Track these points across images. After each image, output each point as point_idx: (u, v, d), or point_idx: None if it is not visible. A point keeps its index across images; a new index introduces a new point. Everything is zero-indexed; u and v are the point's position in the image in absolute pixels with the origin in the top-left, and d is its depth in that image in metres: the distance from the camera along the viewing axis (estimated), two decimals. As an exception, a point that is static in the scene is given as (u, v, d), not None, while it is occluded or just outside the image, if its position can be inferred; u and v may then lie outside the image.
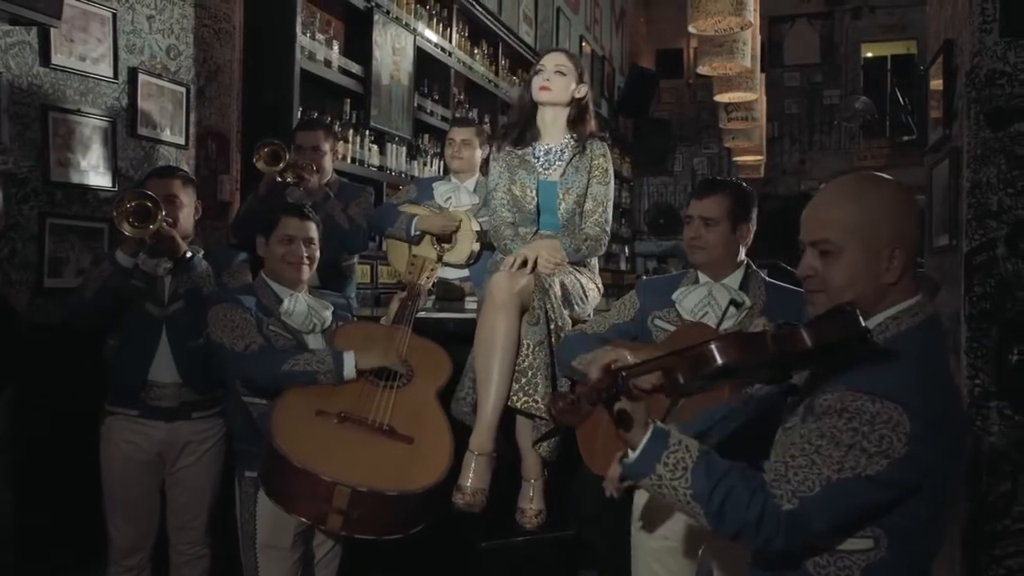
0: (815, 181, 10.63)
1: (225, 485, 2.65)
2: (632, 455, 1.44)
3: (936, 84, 3.29)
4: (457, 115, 5.69)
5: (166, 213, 2.51)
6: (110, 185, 3.26)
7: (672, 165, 12.01)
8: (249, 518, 2.42)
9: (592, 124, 2.87)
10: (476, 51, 6.31)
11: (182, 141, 3.66)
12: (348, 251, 3.49)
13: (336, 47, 4.50)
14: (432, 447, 2.27)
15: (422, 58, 5.33)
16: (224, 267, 2.76)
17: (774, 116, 10.76)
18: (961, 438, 1.46)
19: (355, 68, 4.63)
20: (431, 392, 2.43)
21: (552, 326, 2.48)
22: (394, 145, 5.05)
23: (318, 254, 2.55)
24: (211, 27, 3.82)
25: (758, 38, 5.40)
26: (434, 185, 3.48)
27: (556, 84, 2.78)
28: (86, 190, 3.18)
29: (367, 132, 4.73)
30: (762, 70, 6.76)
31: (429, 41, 5.46)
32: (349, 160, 4.53)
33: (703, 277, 2.34)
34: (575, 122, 2.84)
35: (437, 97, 5.63)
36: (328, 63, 4.39)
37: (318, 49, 4.29)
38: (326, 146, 3.44)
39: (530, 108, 2.84)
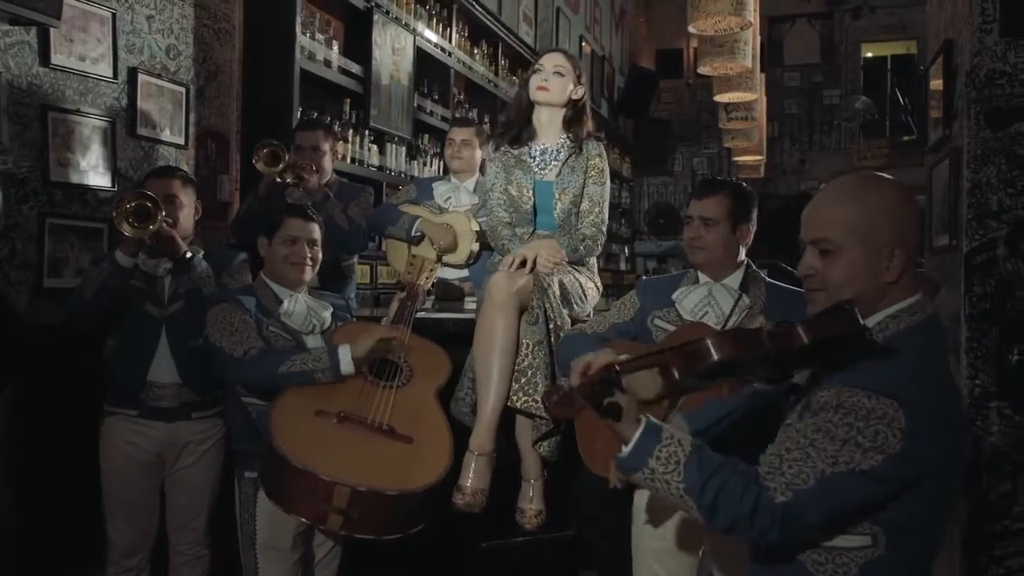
0: (815, 181, 10.63)
1: (225, 485, 2.65)
2: (625, 450, 1.44)
3: (936, 84, 3.29)
4: (457, 115, 5.69)
5: (166, 213, 2.51)
6: (110, 185, 3.26)
7: (672, 165, 12.01)
8: (249, 518, 2.42)
9: (589, 125, 2.87)
10: (476, 51, 6.31)
11: (182, 141, 3.66)
12: (348, 251, 3.49)
13: (336, 47, 4.50)
14: (432, 447, 2.27)
15: (422, 58, 5.33)
16: (224, 267, 2.76)
17: (774, 116, 10.76)
18: (961, 438, 1.46)
19: (355, 68, 4.63)
20: (430, 392, 2.43)
21: (551, 325, 2.48)
22: (394, 145, 5.05)
23: (321, 255, 2.55)
24: (211, 27, 3.82)
25: (758, 38, 5.39)
26: (434, 185, 3.48)
27: (554, 85, 2.78)
28: (86, 190, 3.18)
29: (367, 132, 4.73)
30: (762, 70, 6.75)
31: (429, 41, 5.46)
32: (349, 160, 4.53)
33: (703, 277, 2.34)
34: (571, 122, 2.84)
35: (437, 97, 5.63)
36: (328, 63, 4.39)
37: (318, 49, 4.29)
38: (326, 146, 3.44)
39: (527, 107, 2.84)
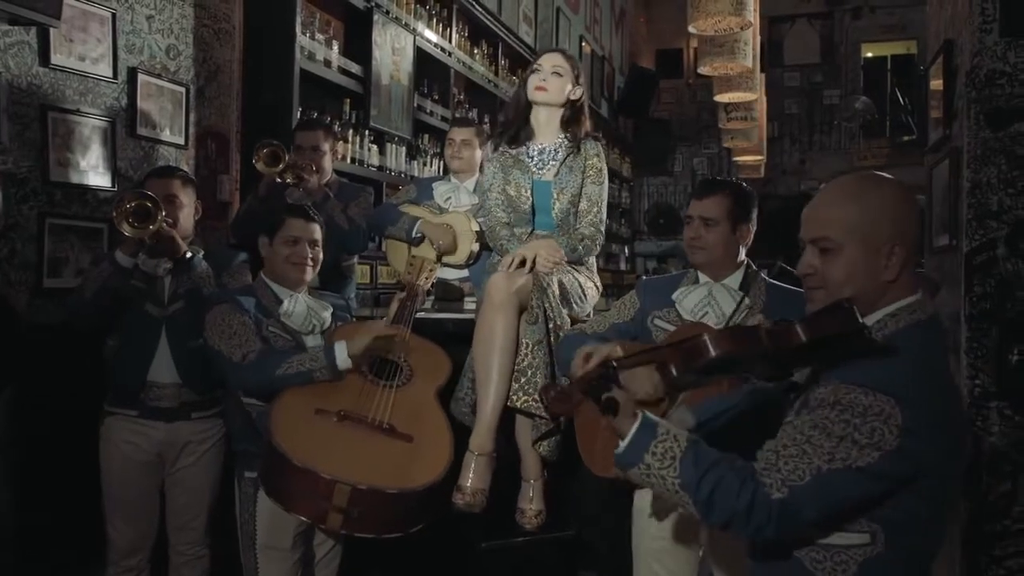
0: (815, 181, 10.63)
1: (225, 485, 2.65)
2: (621, 445, 1.45)
3: (936, 84, 3.29)
4: (457, 115, 5.69)
5: (166, 213, 2.51)
6: (109, 185, 3.26)
7: (672, 165, 12.01)
8: (249, 518, 2.42)
9: (587, 125, 2.87)
10: (476, 51, 6.31)
11: (182, 141, 3.66)
12: (348, 251, 3.49)
13: (336, 47, 4.50)
14: (432, 445, 2.27)
15: (422, 58, 5.33)
16: (224, 267, 2.76)
17: (774, 116, 10.76)
18: (960, 437, 1.46)
19: (355, 68, 4.62)
20: (430, 392, 2.43)
21: (551, 325, 2.48)
22: (394, 145, 5.05)
23: (321, 256, 2.55)
24: (211, 27, 3.82)
25: (758, 38, 5.39)
26: (434, 185, 3.48)
27: (552, 85, 2.78)
28: (85, 190, 3.18)
29: (367, 132, 4.73)
30: (762, 70, 6.75)
31: (429, 41, 5.46)
32: (349, 160, 4.53)
33: (703, 277, 2.34)
34: (569, 122, 2.84)
35: (437, 97, 5.63)
36: (328, 63, 4.39)
37: (318, 49, 4.29)
38: (326, 146, 3.44)
39: (525, 107, 2.84)
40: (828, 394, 1.37)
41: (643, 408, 1.49)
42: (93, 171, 3.21)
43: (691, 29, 4.16)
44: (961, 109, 2.96)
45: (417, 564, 2.66)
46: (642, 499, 2.28)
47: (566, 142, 2.83)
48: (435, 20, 5.60)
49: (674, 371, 1.42)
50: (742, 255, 2.34)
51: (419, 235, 3.25)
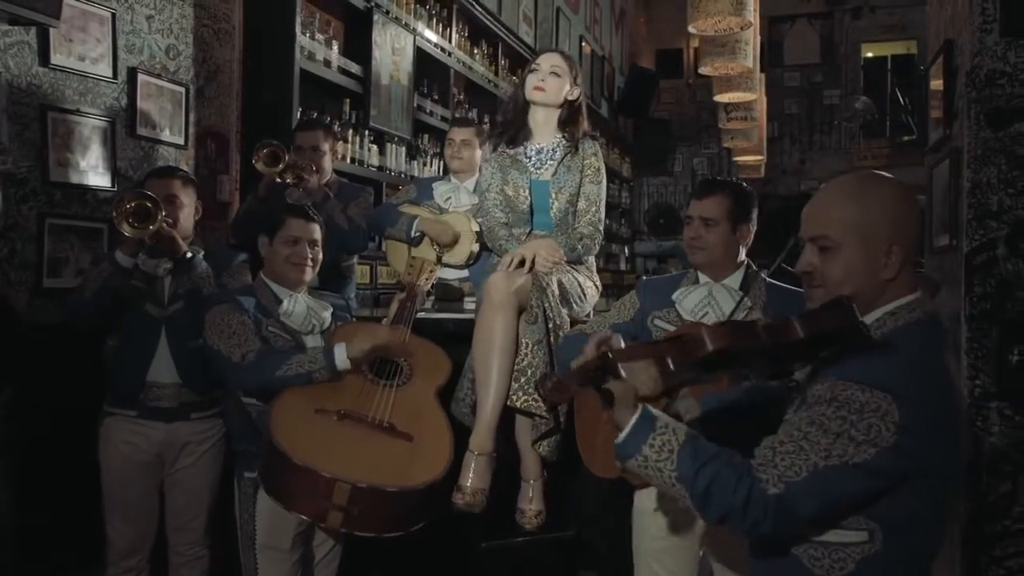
0: (815, 181, 10.62)
1: (224, 486, 2.65)
2: (620, 436, 1.46)
3: (936, 84, 3.29)
4: (457, 115, 5.69)
5: (166, 213, 2.51)
6: (109, 185, 3.26)
7: (672, 165, 12.01)
8: (248, 519, 2.42)
9: (585, 124, 2.87)
10: (476, 51, 6.31)
11: (181, 141, 3.66)
12: (347, 251, 3.49)
13: (336, 47, 4.50)
14: (432, 444, 2.27)
15: (422, 58, 5.33)
16: (224, 268, 2.76)
17: (774, 116, 10.76)
18: (958, 436, 1.46)
19: (355, 68, 4.62)
20: (430, 391, 2.43)
21: (550, 325, 2.47)
22: (394, 145, 5.05)
23: (321, 256, 2.55)
24: (210, 27, 3.82)
25: (758, 38, 5.39)
26: (434, 185, 3.47)
27: (550, 85, 2.78)
28: (85, 190, 3.17)
29: (367, 132, 4.73)
30: (762, 70, 6.75)
31: (429, 41, 5.46)
32: (349, 160, 4.53)
33: (703, 277, 2.34)
34: (566, 122, 2.84)
35: (437, 97, 5.63)
36: (328, 63, 4.39)
37: (317, 49, 4.29)
38: (325, 146, 3.44)
39: (523, 106, 2.84)
40: (825, 391, 1.37)
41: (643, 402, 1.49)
42: (93, 171, 3.21)
43: (691, 29, 4.16)
44: (961, 109, 2.95)
45: (417, 564, 2.66)
46: (642, 499, 2.28)
47: (564, 142, 2.83)
48: (435, 20, 5.60)
49: (671, 364, 1.43)
50: (742, 255, 2.34)
51: (418, 234, 3.25)
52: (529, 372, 2.41)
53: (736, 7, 3.90)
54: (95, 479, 2.63)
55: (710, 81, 6.18)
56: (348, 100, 4.64)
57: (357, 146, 4.65)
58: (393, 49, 4.93)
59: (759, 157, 8.93)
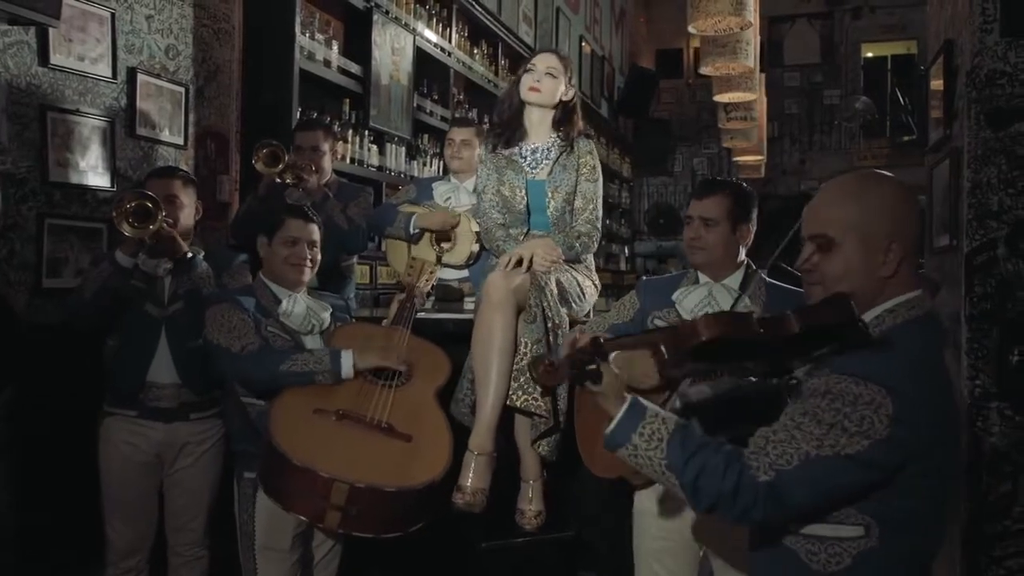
0: (815, 181, 10.62)
1: (224, 486, 2.64)
2: (610, 425, 1.48)
3: (936, 84, 3.29)
4: (456, 115, 5.68)
5: (166, 213, 2.51)
6: (109, 185, 3.26)
7: (672, 165, 12.01)
8: (248, 519, 2.41)
9: (579, 124, 2.87)
10: (476, 51, 6.31)
11: (181, 141, 3.66)
12: (347, 251, 3.49)
13: (335, 47, 4.50)
14: (431, 445, 2.26)
15: (421, 58, 5.33)
16: (224, 268, 2.76)
17: (774, 116, 10.75)
18: (955, 433, 1.46)
19: (354, 68, 4.62)
20: (430, 392, 2.43)
21: (549, 324, 2.47)
22: (393, 145, 5.05)
23: (320, 257, 2.55)
24: (210, 27, 3.82)
25: (758, 38, 5.38)
26: (434, 185, 3.47)
27: (546, 86, 2.78)
28: (85, 190, 3.17)
29: (366, 132, 4.73)
30: (762, 70, 6.75)
31: (428, 41, 5.46)
32: (348, 160, 4.53)
33: (703, 277, 2.34)
34: (561, 122, 2.84)
35: (436, 97, 5.62)
36: (327, 63, 4.39)
37: (317, 49, 4.29)
38: (325, 146, 3.43)
39: (518, 107, 2.84)
40: (821, 384, 1.39)
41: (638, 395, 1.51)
42: (92, 171, 3.21)
43: (691, 29, 4.15)
44: (961, 109, 2.95)
45: (417, 564, 2.66)
46: (642, 500, 2.28)
47: (559, 141, 2.84)
48: (435, 20, 5.60)
49: (665, 352, 1.43)
50: (742, 255, 2.34)
51: (417, 231, 3.25)
52: (528, 372, 2.41)
53: (736, 7, 3.90)
54: (95, 479, 2.63)
55: (710, 81, 6.17)
56: (348, 100, 4.64)
57: (357, 146, 4.65)
58: (393, 49, 4.93)
59: (759, 157, 8.92)
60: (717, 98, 6.15)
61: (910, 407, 1.34)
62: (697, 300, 2.29)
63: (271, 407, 2.25)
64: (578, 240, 2.77)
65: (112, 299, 2.55)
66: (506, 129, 2.86)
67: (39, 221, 2.99)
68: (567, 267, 2.72)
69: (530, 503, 2.48)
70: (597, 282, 2.89)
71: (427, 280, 2.80)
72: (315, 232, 2.51)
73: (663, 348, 1.43)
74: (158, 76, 3.52)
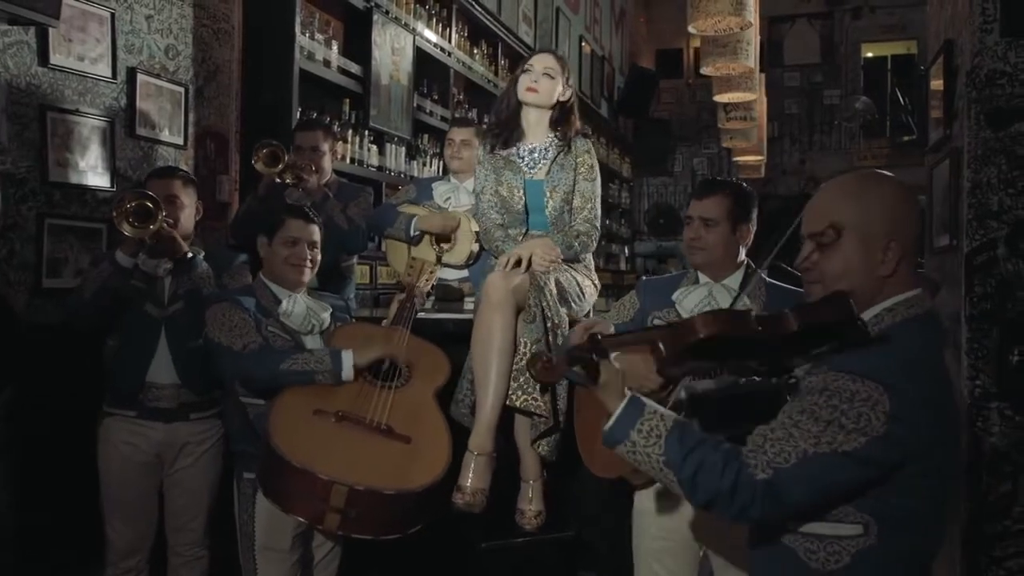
0: (815, 181, 10.62)
1: (224, 486, 2.64)
2: (609, 421, 1.49)
3: (936, 84, 3.29)
4: (456, 115, 5.68)
5: (167, 213, 2.51)
6: (108, 185, 3.26)
7: (672, 165, 12.00)
8: (247, 520, 2.41)
9: (577, 123, 2.87)
10: (475, 51, 6.30)
11: (181, 141, 3.66)
12: (347, 252, 3.49)
13: (335, 47, 4.49)
14: (430, 446, 2.26)
15: (421, 58, 5.33)
16: (224, 268, 2.76)
17: (774, 116, 10.75)
18: (953, 431, 1.46)
19: (354, 68, 4.62)
20: (429, 393, 2.43)
21: (549, 324, 2.47)
22: (393, 145, 5.05)
23: (320, 257, 2.55)
24: (210, 27, 3.82)
25: (757, 38, 5.38)
26: (433, 185, 3.47)
27: (543, 86, 2.78)
28: (84, 190, 3.17)
29: (366, 132, 4.73)
30: (762, 70, 6.74)
31: (428, 41, 5.46)
32: (348, 160, 4.53)
33: (703, 278, 2.34)
34: (558, 122, 2.84)
35: (436, 97, 5.62)
36: (327, 63, 4.39)
37: (317, 49, 4.29)
38: (325, 146, 3.43)
39: (515, 107, 2.84)
40: (818, 381, 1.39)
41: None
42: (92, 171, 3.21)
43: (691, 29, 4.15)
44: (961, 109, 2.95)
45: (417, 565, 2.66)
46: (642, 500, 2.28)
47: (556, 141, 2.84)
48: (435, 20, 5.60)
49: (663, 350, 1.44)
50: (742, 255, 2.34)
51: (417, 233, 3.25)
52: (529, 374, 2.41)
53: (736, 7, 3.90)
54: (95, 479, 2.63)
55: (710, 81, 6.16)
56: (348, 100, 4.63)
57: (357, 146, 4.64)
58: (393, 49, 4.93)
59: (759, 157, 8.92)
60: (717, 98, 6.15)
61: (907, 404, 1.34)
62: (697, 300, 2.29)
63: (270, 408, 2.25)
64: (577, 239, 2.77)
65: (112, 299, 2.55)
66: (504, 130, 2.85)
67: (39, 221, 2.99)
68: (566, 267, 2.72)
69: (530, 503, 2.48)
70: (597, 282, 2.89)
71: (427, 280, 2.80)
72: (316, 233, 2.51)
73: (661, 345, 1.44)
74: (158, 76, 3.52)
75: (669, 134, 11.90)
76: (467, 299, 3.20)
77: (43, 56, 2.99)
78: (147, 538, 2.64)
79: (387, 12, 4.88)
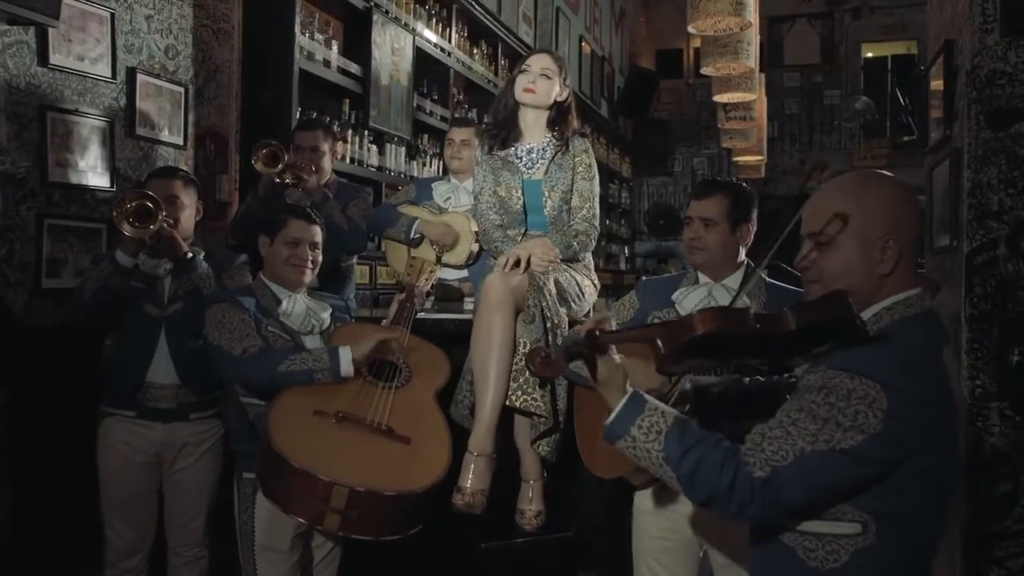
0: (815, 182, 10.62)
1: (223, 487, 2.64)
2: (610, 417, 1.50)
3: (936, 84, 3.29)
4: (456, 115, 5.68)
5: (167, 214, 2.51)
6: (108, 185, 3.26)
7: (672, 165, 12.00)
8: (247, 520, 2.41)
9: (574, 123, 2.87)
10: (475, 51, 6.30)
11: (180, 141, 3.66)
12: (347, 252, 3.49)
13: (335, 47, 4.50)
14: (430, 447, 2.26)
15: (421, 58, 5.33)
16: (224, 269, 2.75)
17: (774, 116, 10.75)
18: (952, 430, 1.46)
19: (354, 68, 4.62)
20: (429, 393, 2.43)
21: (548, 324, 2.47)
22: (393, 145, 5.05)
23: (321, 258, 2.55)
24: (210, 27, 3.81)
25: (757, 38, 5.38)
26: (433, 185, 3.47)
27: (541, 87, 2.78)
28: (84, 190, 3.17)
29: (366, 132, 4.73)
30: (762, 70, 6.74)
31: (428, 41, 5.46)
32: (348, 160, 4.53)
33: (703, 278, 2.34)
34: (555, 122, 2.84)
35: (436, 97, 5.62)
36: (327, 63, 4.39)
37: (317, 49, 4.29)
38: (325, 146, 3.43)
39: (512, 108, 2.84)
40: (816, 380, 1.40)
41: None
42: (92, 171, 3.21)
43: (691, 29, 4.15)
44: (961, 109, 2.95)
45: (417, 565, 2.66)
46: (642, 500, 2.28)
47: (554, 141, 2.84)
48: (434, 20, 5.60)
49: (661, 346, 1.44)
50: (742, 255, 2.34)
51: (417, 235, 3.25)
52: (527, 372, 2.41)
53: (736, 7, 3.89)
54: (94, 479, 2.62)
55: (710, 81, 6.16)
56: (347, 100, 4.63)
57: (356, 146, 4.64)
58: (392, 49, 4.93)
59: (759, 157, 8.91)
60: (716, 98, 6.14)
61: (905, 402, 1.34)
62: (697, 300, 2.29)
63: (270, 409, 2.24)
64: (575, 239, 2.77)
65: (112, 299, 2.55)
66: (501, 130, 2.85)
67: (38, 221, 2.98)
68: (565, 267, 2.72)
69: (530, 503, 2.48)
70: (596, 281, 2.88)
71: (427, 280, 2.80)
72: (317, 234, 2.51)
73: (660, 342, 1.44)
74: (158, 76, 3.52)
75: (669, 134, 11.90)
76: (467, 299, 3.21)
77: (43, 56, 2.99)
78: (147, 538, 2.64)
79: (387, 12, 4.88)
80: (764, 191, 10.04)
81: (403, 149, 5.16)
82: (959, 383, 2.70)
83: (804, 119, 11.57)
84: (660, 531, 2.24)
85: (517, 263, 2.57)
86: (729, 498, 1.38)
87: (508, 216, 2.82)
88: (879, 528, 1.40)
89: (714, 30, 4.15)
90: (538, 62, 2.81)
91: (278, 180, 3.22)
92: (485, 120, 4.09)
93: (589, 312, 2.78)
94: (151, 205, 2.45)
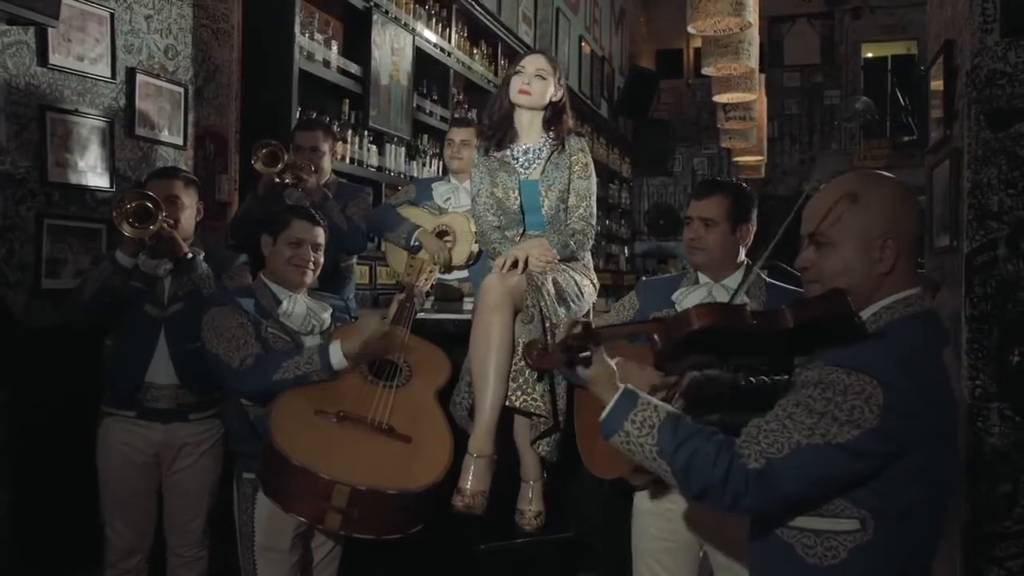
0: (815, 182, 10.60)
1: (223, 487, 2.64)
2: (604, 412, 1.51)
3: (936, 84, 3.29)
4: (456, 115, 5.68)
5: (167, 214, 2.51)
6: (108, 186, 3.26)
7: (672, 165, 12.00)
8: (247, 520, 2.41)
9: (569, 122, 2.87)
10: (475, 51, 6.30)
11: (180, 141, 3.66)
12: (346, 252, 3.48)
13: (335, 47, 4.49)
14: (431, 446, 2.26)
15: (421, 58, 5.33)
16: (224, 269, 2.75)
17: (774, 116, 10.75)
18: (951, 428, 1.46)
19: (354, 68, 4.62)
20: (430, 392, 2.43)
21: (547, 324, 2.47)
22: (393, 145, 5.04)
23: (322, 260, 2.54)
24: (209, 27, 3.81)
25: (757, 38, 5.38)
26: (433, 185, 3.47)
27: (536, 88, 2.78)
28: (84, 191, 3.17)
29: (366, 132, 4.73)
30: (762, 70, 6.74)
31: (428, 41, 5.46)
32: (348, 160, 4.53)
33: (703, 278, 2.34)
34: (551, 122, 2.84)
35: (436, 97, 5.62)
36: (327, 63, 4.39)
37: (317, 49, 4.29)
38: (325, 146, 3.43)
39: (508, 109, 2.84)
40: (813, 375, 1.40)
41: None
42: (91, 171, 3.21)
43: (690, 29, 4.15)
44: (962, 110, 2.95)
45: (417, 566, 2.66)
46: (642, 500, 2.28)
47: (550, 140, 2.84)
48: (434, 20, 5.60)
49: (659, 341, 1.44)
50: (742, 255, 2.34)
51: (417, 243, 3.25)
52: (527, 372, 2.41)
53: (736, 7, 3.89)
54: (94, 479, 2.62)
55: (710, 81, 6.16)
56: (347, 100, 4.63)
57: (356, 146, 4.64)
58: (392, 49, 4.93)
59: (759, 157, 8.91)
60: (716, 98, 6.14)
61: (902, 399, 1.35)
62: (697, 300, 2.28)
63: (272, 408, 2.24)
64: (572, 238, 2.77)
65: (112, 299, 2.55)
66: (497, 131, 2.85)
67: (38, 221, 2.98)
68: (564, 267, 2.71)
69: (530, 504, 2.48)
70: (595, 281, 2.88)
71: (426, 280, 2.80)
72: (321, 235, 2.51)
73: (656, 337, 1.44)
74: (157, 76, 3.51)
75: (669, 134, 11.90)
76: (467, 299, 3.20)
77: (42, 56, 2.99)
78: (146, 538, 2.64)
79: (387, 12, 4.88)
80: (764, 191, 10.04)
81: (403, 149, 5.16)
82: (959, 383, 2.70)
83: (804, 119, 11.58)
84: (660, 532, 2.24)
85: (515, 264, 2.57)
86: (723, 490, 1.39)
87: (506, 217, 2.82)
88: (877, 525, 1.40)
89: (714, 30, 4.15)
90: (532, 63, 2.81)
91: (278, 180, 3.22)
92: (481, 121, 4.10)
93: (589, 312, 2.78)
94: (151, 205, 2.45)
